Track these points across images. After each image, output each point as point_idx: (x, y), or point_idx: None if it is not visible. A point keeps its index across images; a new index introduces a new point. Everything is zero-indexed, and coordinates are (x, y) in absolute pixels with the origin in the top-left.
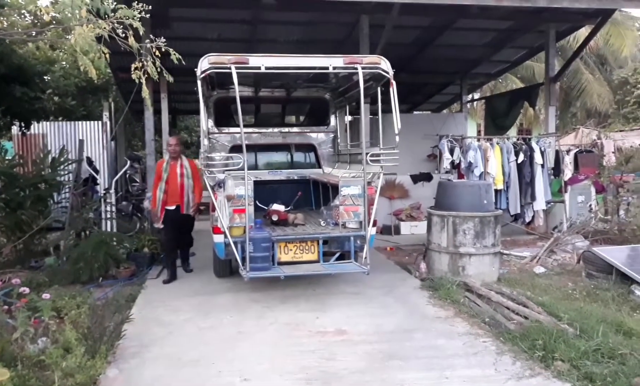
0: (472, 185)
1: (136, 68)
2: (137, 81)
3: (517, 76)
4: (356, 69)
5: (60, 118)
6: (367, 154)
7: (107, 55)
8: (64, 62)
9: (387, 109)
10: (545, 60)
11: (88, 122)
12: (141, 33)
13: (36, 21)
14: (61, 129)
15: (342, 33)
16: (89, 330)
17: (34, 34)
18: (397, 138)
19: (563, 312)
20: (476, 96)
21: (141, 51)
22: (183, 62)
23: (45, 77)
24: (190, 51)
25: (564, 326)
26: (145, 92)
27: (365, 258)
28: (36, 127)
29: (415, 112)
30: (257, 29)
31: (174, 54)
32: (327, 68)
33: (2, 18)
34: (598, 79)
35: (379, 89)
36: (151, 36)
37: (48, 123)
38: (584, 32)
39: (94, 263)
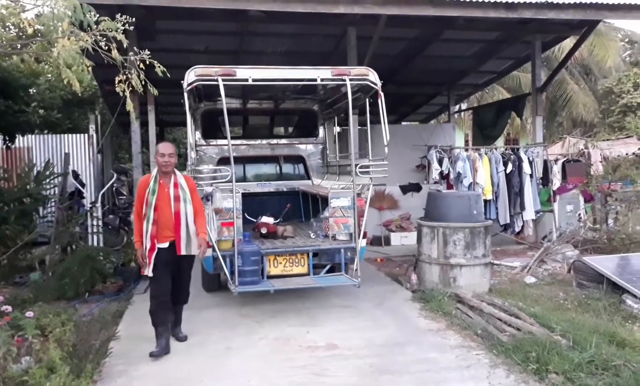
0: (461, 196)
1: (120, 81)
2: (121, 94)
3: (504, 86)
4: (344, 80)
5: (45, 131)
6: (356, 165)
7: (90, 68)
8: (49, 75)
9: (375, 120)
10: (531, 71)
11: (74, 135)
12: (125, 45)
13: (21, 34)
14: (47, 142)
15: (329, 45)
16: (74, 348)
17: (18, 47)
18: (386, 149)
19: (555, 323)
20: (463, 106)
21: (125, 64)
22: (168, 75)
23: (30, 90)
24: (178, 63)
25: (557, 337)
26: (130, 106)
27: (356, 270)
28: (21, 141)
29: (403, 123)
30: (245, 41)
31: (159, 67)
32: (315, 80)
33: None
34: (583, 89)
35: (367, 100)
36: (135, 48)
37: (33, 136)
38: (568, 42)
39: (80, 279)
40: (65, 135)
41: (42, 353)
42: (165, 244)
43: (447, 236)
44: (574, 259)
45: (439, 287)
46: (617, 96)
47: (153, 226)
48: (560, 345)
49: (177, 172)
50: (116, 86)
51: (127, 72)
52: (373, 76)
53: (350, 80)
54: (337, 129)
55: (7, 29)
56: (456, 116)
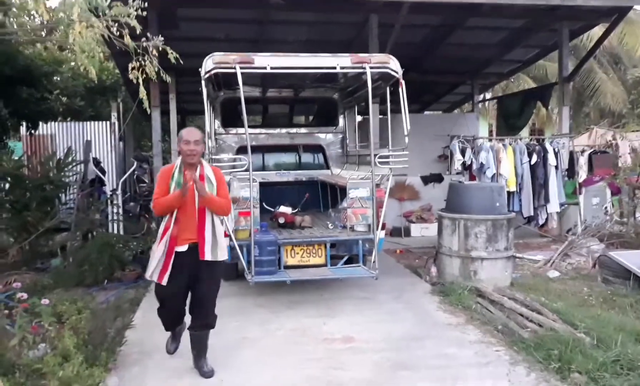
0: (484, 187)
1: (133, 68)
2: (134, 81)
3: (530, 75)
4: (364, 68)
5: (68, 119)
6: (375, 155)
7: (109, 56)
8: (72, 63)
9: (396, 109)
10: (558, 60)
11: (96, 122)
12: (138, 32)
13: (45, 22)
14: (69, 130)
15: (350, 33)
16: (89, 335)
17: (43, 35)
18: (407, 139)
19: (579, 320)
20: (487, 95)
21: (138, 51)
22: (181, 62)
23: (53, 78)
24: (198, 51)
25: (580, 335)
26: (143, 93)
27: (374, 262)
28: (44, 128)
29: (425, 113)
30: (265, 29)
31: (171, 53)
32: (334, 68)
33: (11, 19)
34: (612, 79)
35: (387, 89)
36: (148, 34)
37: (56, 124)
38: (597, 31)
39: (99, 266)
40: (88, 122)
41: (58, 341)
42: (184, 248)
43: (468, 228)
44: (599, 253)
45: (459, 280)
46: None
47: (175, 226)
48: (584, 343)
49: (203, 162)
50: (129, 73)
51: (140, 59)
52: (394, 64)
53: (371, 68)
54: (357, 118)
55: (32, 17)
56: (480, 105)
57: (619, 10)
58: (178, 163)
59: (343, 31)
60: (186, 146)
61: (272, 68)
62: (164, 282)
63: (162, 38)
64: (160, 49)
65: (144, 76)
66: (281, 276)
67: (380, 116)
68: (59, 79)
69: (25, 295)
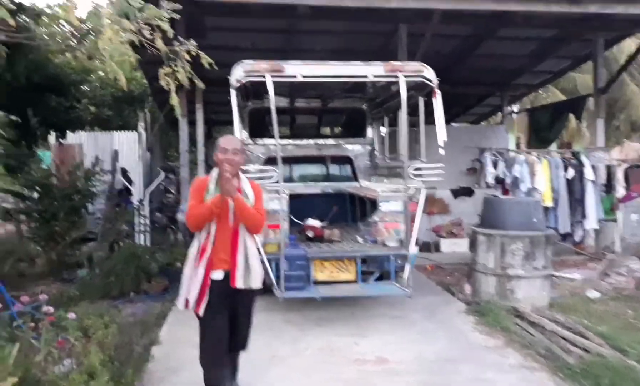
0: (520, 202)
1: (166, 74)
2: (165, 87)
3: (559, 87)
4: (397, 77)
5: (96, 128)
6: (409, 167)
7: (137, 64)
8: (101, 72)
9: (425, 120)
10: (593, 71)
11: (124, 132)
12: (170, 36)
13: (75, 32)
14: (97, 139)
15: (378, 43)
16: (115, 351)
17: (73, 44)
18: (442, 151)
19: (627, 345)
20: (515, 108)
21: (170, 56)
22: (215, 67)
23: (81, 87)
24: (225, 61)
25: (631, 362)
26: (175, 100)
27: (408, 279)
28: (73, 137)
29: (453, 125)
30: (292, 39)
31: (204, 58)
32: (366, 76)
33: (41, 28)
34: None
35: (420, 99)
36: (180, 38)
37: (85, 133)
38: (628, 42)
39: (125, 277)
40: (115, 132)
41: (84, 356)
42: (220, 275)
43: (504, 245)
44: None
45: (495, 299)
46: None
47: (211, 246)
48: (637, 371)
49: (241, 175)
50: (160, 79)
51: (172, 65)
52: (429, 73)
53: (405, 77)
54: (386, 129)
55: (62, 26)
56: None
57: None
58: (214, 175)
59: (371, 41)
60: (223, 155)
61: (303, 77)
62: (201, 312)
63: (195, 43)
64: (194, 53)
65: (176, 82)
66: (311, 292)
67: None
68: (87, 88)
69: (51, 309)
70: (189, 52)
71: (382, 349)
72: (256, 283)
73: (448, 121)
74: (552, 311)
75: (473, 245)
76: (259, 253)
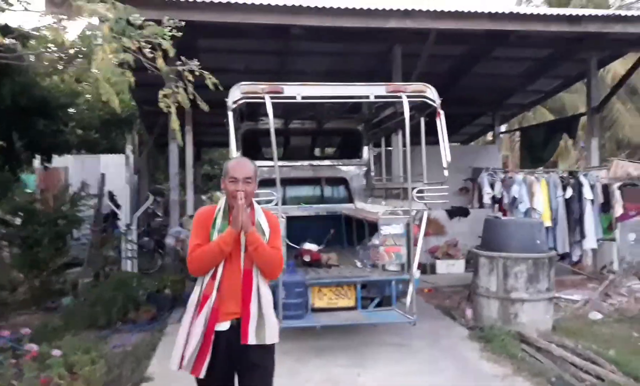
0: (523, 223)
1: (165, 95)
2: (165, 110)
3: (546, 107)
4: (400, 97)
5: (82, 151)
6: (412, 189)
7: (133, 81)
8: (88, 95)
9: (418, 141)
10: (587, 90)
11: (111, 155)
12: (171, 55)
13: (63, 55)
14: (84, 163)
15: (372, 64)
16: None
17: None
18: (446, 172)
19: None
20: (503, 128)
21: (170, 75)
22: (220, 88)
23: (68, 110)
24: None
25: None
26: (175, 123)
27: (411, 304)
28: (58, 161)
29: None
30: (285, 60)
31: (209, 78)
32: (367, 97)
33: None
34: (630, 110)
35: (422, 120)
36: (182, 58)
37: (71, 156)
38: (616, 63)
39: (112, 306)
40: (102, 155)
41: None
42: (226, 325)
43: (507, 267)
44: None
45: (498, 324)
46: None
47: (217, 293)
48: None
49: (255, 206)
50: (159, 101)
51: (173, 86)
52: (431, 93)
53: (407, 97)
54: (381, 150)
55: (48, 49)
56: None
57: None
58: (222, 205)
59: (365, 62)
60: (233, 185)
61: (302, 98)
62: (202, 374)
63: (198, 62)
64: (197, 73)
65: (176, 104)
66: (310, 321)
67: (403, 148)
68: (74, 111)
69: (35, 347)
70: (192, 72)
71: (388, 381)
72: (272, 338)
73: (435, 142)
74: (556, 335)
75: (474, 267)
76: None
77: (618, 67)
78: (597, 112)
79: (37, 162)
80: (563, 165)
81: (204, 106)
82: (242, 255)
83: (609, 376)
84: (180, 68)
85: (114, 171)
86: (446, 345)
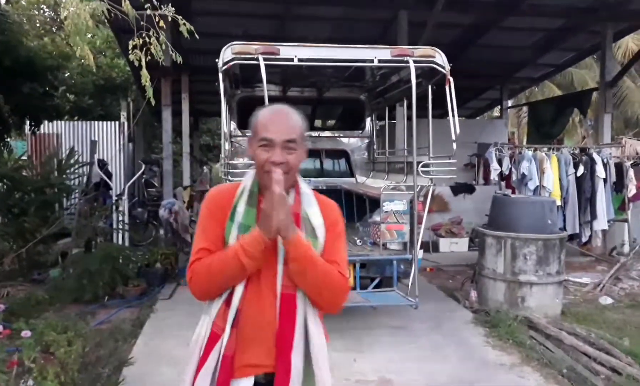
0: (534, 202)
1: (134, 47)
2: (136, 63)
3: (554, 82)
4: (406, 62)
5: (76, 118)
6: (418, 163)
7: (106, 34)
8: (81, 60)
9: (423, 115)
10: (601, 63)
11: (104, 122)
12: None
13: (55, 17)
14: (76, 129)
15: (376, 31)
16: (79, 374)
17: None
18: (455, 145)
19: None
20: (510, 102)
21: (142, 22)
22: (197, 36)
23: (57, 73)
24: (214, 48)
25: None
26: (146, 78)
27: (413, 285)
28: (50, 127)
29: (448, 119)
30: (286, 26)
31: (184, 24)
32: (371, 61)
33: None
34: (639, 87)
35: (429, 88)
36: (154, 1)
37: (63, 123)
38: (626, 38)
39: (99, 280)
40: (96, 122)
41: (42, 379)
42: (249, 383)
43: (516, 248)
44: None
45: (504, 307)
46: None
47: (233, 331)
48: None
49: (303, 186)
50: (130, 52)
51: (144, 35)
52: (440, 58)
53: (414, 62)
54: (382, 123)
55: (42, 11)
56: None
57: None
58: (247, 184)
59: (369, 29)
60: (265, 153)
61: (300, 60)
62: None
63: (173, 8)
64: (171, 19)
65: (148, 57)
66: None
67: (408, 120)
68: (66, 75)
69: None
70: (164, 17)
71: (386, 367)
72: None
73: (444, 115)
74: (566, 321)
75: (480, 247)
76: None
77: (630, 42)
78: (611, 86)
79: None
80: (569, 142)
81: (179, 58)
82: (279, 270)
83: (627, 369)
84: (150, 12)
85: (108, 138)
86: (449, 329)
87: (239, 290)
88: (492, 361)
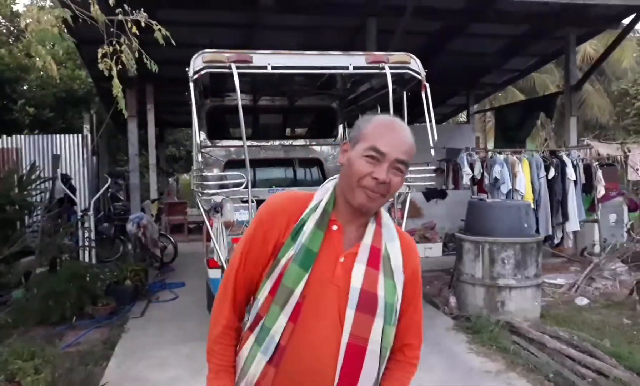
0: (510, 206)
1: (104, 55)
2: (106, 73)
3: (517, 87)
4: (382, 68)
5: (36, 131)
6: None
7: (70, 41)
8: (41, 72)
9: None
10: (564, 68)
11: (67, 135)
12: (111, 2)
13: (12, 28)
14: (37, 143)
15: (344, 39)
16: None
17: (10, 42)
18: (433, 151)
19: None
20: (476, 107)
21: (111, 29)
22: (173, 42)
23: (15, 85)
24: (180, 58)
25: None
26: (118, 89)
27: None
28: (8, 141)
29: (416, 125)
30: (254, 35)
31: (159, 30)
32: (347, 68)
33: None
34: (598, 90)
35: (404, 94)
36: (125, 6)
37: (22, 137)
38: (585, 44)
39: (66, 300)
40: (57, 135)
41: None
42: None
43: (494, 253)
44: (626, 276)
45: (484, 312)
46: (632, 98)
47: (266, 365)
48: None
49: (383, 214)
50: (99, 61)
51: (114, 43)
52: (416, 64)
53: (390, 68)
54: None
55: None
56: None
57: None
58: (323, 199)
59: (337, 37)
60: (372, 166)
61: (273, 68)
62: None
63: (145, 13)
64: (143, 24)
65: (119, 66)
66: None
67: None
68: (25, 87)
69: None
70: (137, 23)
71: None
72: None
73: (414, 121)
74: (545, 323)
75: (457, 253)
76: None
77: (588, 47)
78: (575, 90)
79: None
80: (532, 145)
81: (154, 67)
82: (347, 315)
83: (612, 372)
84: (122, 18)
85: (70, 152)
86: (431, 337)
87: (281, 319)
88: (478, 368)
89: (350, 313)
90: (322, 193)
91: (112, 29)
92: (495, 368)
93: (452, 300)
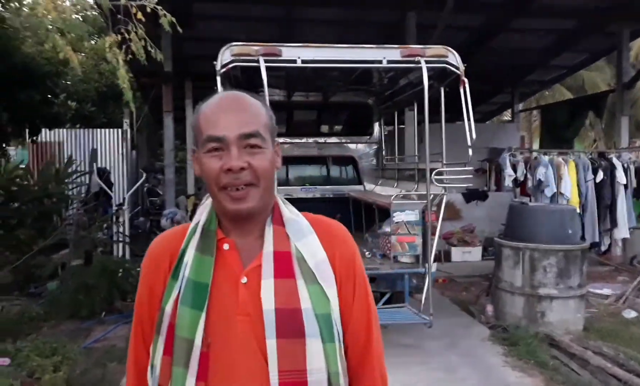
0: (554, 210)
1: (111, 45)
2: (111, 61)
3: (564, 85)
4: (418, 62)
5: (78, 125)
6: (431, 171)
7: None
8: (84, 67)
9: (434, 119)
10: (617, 64)
11: (107, 130)
12: None
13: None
14: (78, 137)
15: (381, 34)
16: None
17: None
18: (470, 151)
19: None
20: (520, 106)
21: (118, 14)
22: (179, 29)
23: (57, 79)
24: (215, 54)
25: None
26: (123, 78)
27: (426, 301)
28: (51, 135)
29: (458, 123)
30: (289, 29)
31: (164, 14)
32: (380, 61)
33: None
34: None
35: (442, 90)
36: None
37: (64, 130)
38: (639, 42)
39: (96, 295)
40: (98, 130)
41: None
42: None
43: (535, 260)
44: None
45: (523, 323)
46: None
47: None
48: None
49: (283, 207)
50: (106, 51)
51: (122, 30)
52: (454, 58)
53: (426, 62)
54: (390, 128)
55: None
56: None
57: None
58: (201, 219)
59: (375, 32)
60: (219, 160)
61: (303, 62)
62: None
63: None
64: (149, 10)
65: (130, 55)
66: None
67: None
68: (68, 82)
69: None
70: (142, 8)
71: None
72: None
73: (453, 119)
74: (588, 337)
75: (496, 259)
76: None
77: None
78: (628, 88)
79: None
80: (580, 146)
81: (159, 56)
82: (269, 349)
83: None
84: (125, 2)
85: (110, 146)
86: (465, 348)
87: (189, 382)
88: (513, 383)
89: (271, 344)
90: (200, 212)
91: (123, 18)
92: (532, 384)
93: (489, 309)
